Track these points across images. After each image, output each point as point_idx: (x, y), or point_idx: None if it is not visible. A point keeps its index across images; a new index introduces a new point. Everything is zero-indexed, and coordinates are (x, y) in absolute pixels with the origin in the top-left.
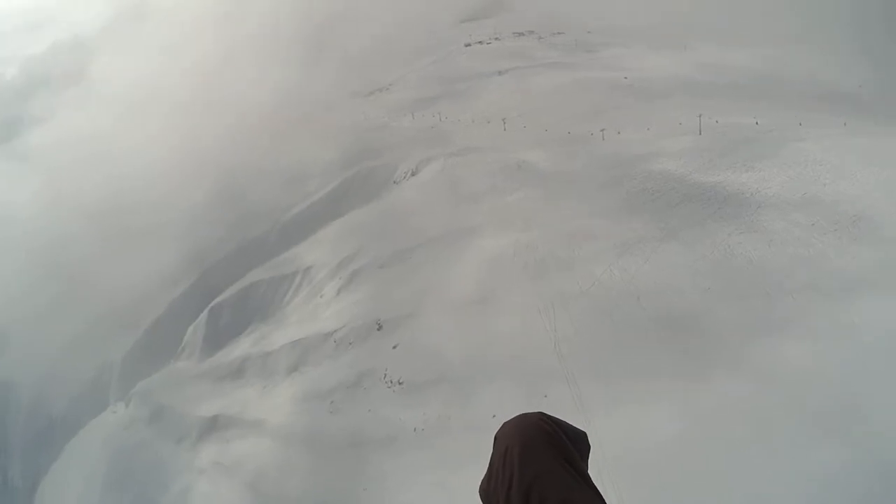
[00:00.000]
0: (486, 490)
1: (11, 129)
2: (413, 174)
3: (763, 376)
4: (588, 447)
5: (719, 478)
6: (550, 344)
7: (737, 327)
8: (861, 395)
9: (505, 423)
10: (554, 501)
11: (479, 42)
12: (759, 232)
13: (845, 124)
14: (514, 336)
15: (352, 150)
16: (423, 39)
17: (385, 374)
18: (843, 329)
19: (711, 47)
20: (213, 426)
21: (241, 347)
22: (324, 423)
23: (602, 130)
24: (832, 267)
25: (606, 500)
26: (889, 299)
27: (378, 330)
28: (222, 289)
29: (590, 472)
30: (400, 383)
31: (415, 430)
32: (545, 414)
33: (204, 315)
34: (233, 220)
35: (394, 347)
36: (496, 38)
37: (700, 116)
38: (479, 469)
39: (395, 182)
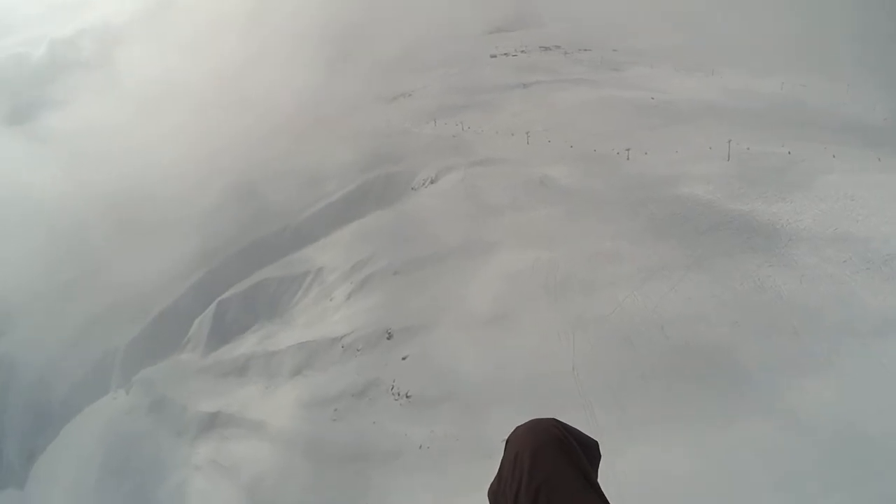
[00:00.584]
0: (496, 492)
1: (34, 109)
2: (432, 182)
3: (788, 418)
4: (599, 456)
5: None
6: (568, 368)
7: (763, 364)
8: (889, 444)
9: (517, 428)
10: None
11: (505, 54)
12: (790, 266)
13: (879, 160)
14: (530, 357)
15: (372, 154)
16: (449, 48)
17: (392, 386)
18: (873, 373)
19: (739, 73)
20: (212, 423)
21: (246, 345)
22: (326, 431)
23: (628, 150)
24: (864, 307)
25: None
26: None
27: (388, 339)
28: (231, 284)
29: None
30: (407, 396)
31: (420, 447)
32: (557, 420)
33: (211, 309)
34: (247, 218)
35: (403, 358)
36: (522, 51)
37: (730, 142)
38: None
39: (413, 189)
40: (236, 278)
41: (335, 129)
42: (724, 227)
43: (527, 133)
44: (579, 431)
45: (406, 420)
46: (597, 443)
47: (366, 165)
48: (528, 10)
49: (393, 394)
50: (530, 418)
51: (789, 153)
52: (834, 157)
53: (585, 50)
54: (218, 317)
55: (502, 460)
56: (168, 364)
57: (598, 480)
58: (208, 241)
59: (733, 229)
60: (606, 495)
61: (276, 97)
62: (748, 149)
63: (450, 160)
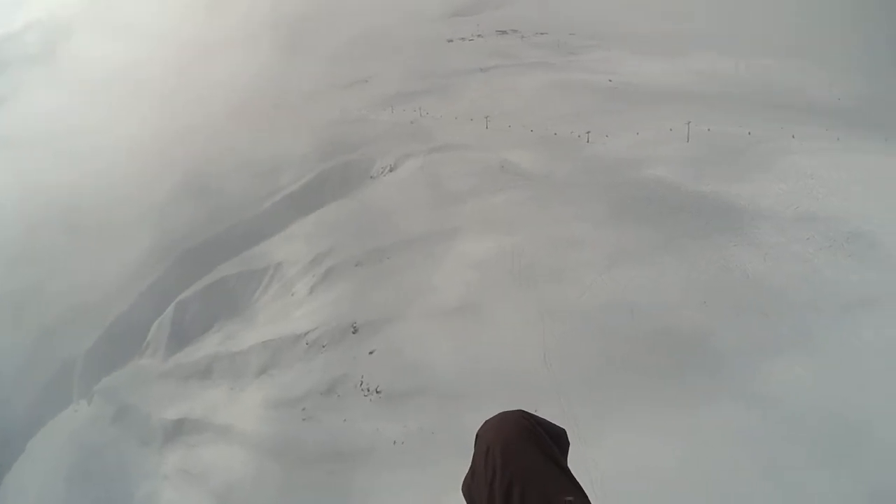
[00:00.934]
0: (470, 486)
1: None
2: (391, 170)
3: (762, 397)
4: (567, 443)
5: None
6: (540, 357)
7: (734, 345)
8: (863, 415)
9: (486, 422)
10: (535, 495)
11: (462, 39)
12: (755, 246)
13: (838, 139)
14: (500, 347)
15: (328, 142)
16: (405, 34)
17: (361, 382)
18: (842, 349)
19: (700, 55)
20: (179, 429)
21: (208, 346)
22: (296, 432)
23: (588, 133)
24: (829, 284)
25: None
26: (887, 317)
27: (353, 333)
28: (188, 284)
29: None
30: (377, 392)
31: (394, 442)
32: (525, 411)
33: (169, 311)
34: (202, 214)
35: (370, 353)
36: (479, 36)
37: (689, 124)
38: None
39: (372, 177)
40: (193, 277)
41: (291, 118)
42: (688, 208)
43: (486, 118)
44: (547, 421)
45: (378, 416)
46: (564, 430)
47: (323, 155)
48: None
49: (362, 389)
50: (501, 410)
51: (749, 134)
52: (793, 137)
53: (542, 34)
54: (177, 319)
55: (474, 456)
56: (128, 371)
57: (574, 469)
58: (163, 240)
59: (697, 211)
60: (584, 485)
61: (231, 86)
62: (709, 130)
63: (408, 147)
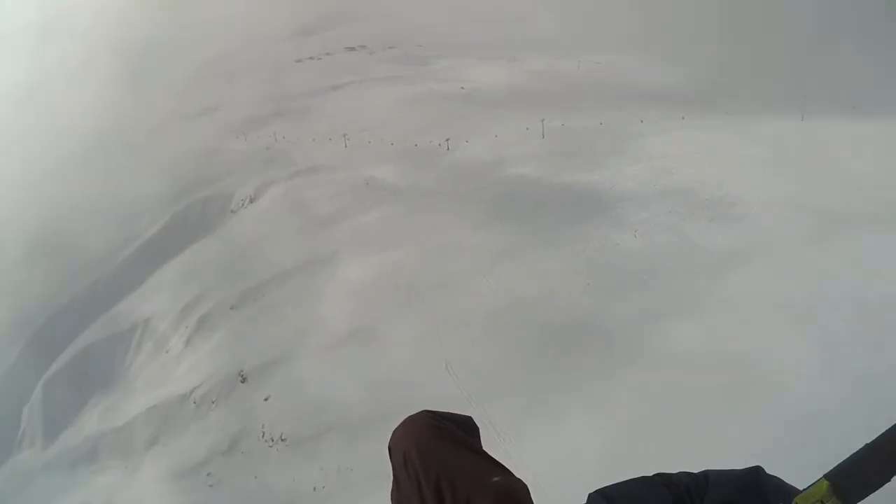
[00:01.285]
0: (399, 498)
1: None
2: (251, 201)
3: (661, 363)
4: (476, 428)
5: (649, 470)
6: (441, 367)
7: (623, 319)
8: (754, 359)
9: (394, 432)
10: (464, 484)
11: (311, 58)
12: (623, 225)
13: (683, 118)
14: (401, 366)
15: (182, 179)
16: (250, 56)
17: (263, 433)
18: (723, 303)
19: (540, 57)
20: None
21: (89, 425)
22: (206, 501)
23: (447, 140)
24: (699, 248)
25: None
26: (756, 270)
27: (242, 382)
28: (54, 357)
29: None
30: (283, 440)
31: (315, 489)
32: (429, 410)
33: (38, 392)
34: (58, 273)
35: (265, 399)
36: (327, 54)
37: (543, 121)
38: None
39: (232, 211)
40: (57, 350)
41: (140, 157)
42: (555, 200)
43: (344, 136)
44: (450, 413)
45: (290, 465)
46: (470, 417)
47: (177, 193)
48: (332, 12)
49: (266, 441)
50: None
51: (601, 124)
52: (642, 121)
53: (391, 48)
54: (48, 400)
55: (393, 469)
56: (7, 469)
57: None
58: (16, 313)
59: (564, 201)
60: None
61: (73, 127)
62: (562, 125)
63: (267, 174)
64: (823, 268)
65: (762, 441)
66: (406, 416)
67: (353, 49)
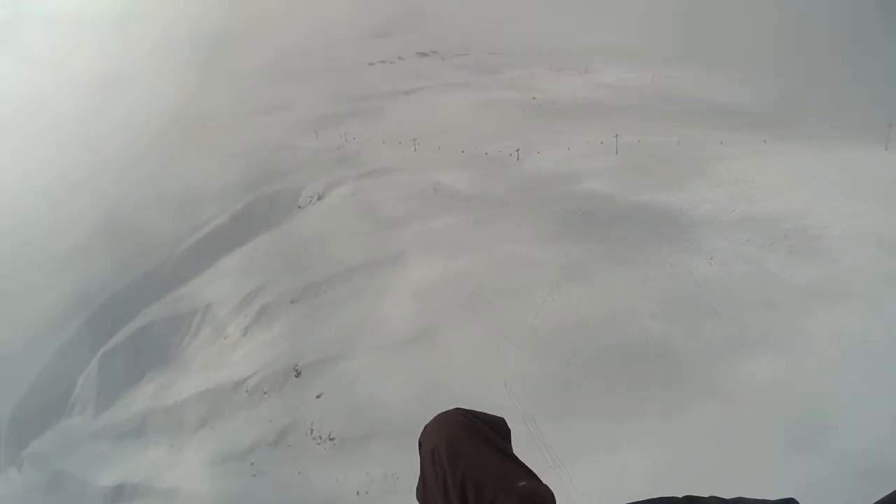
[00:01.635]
0: (424, 493)
1: None
2: (320, 198)
3: (729, 398)
4: (508, 430)
5: None
6: (500, 382)
7: (693, 349)
8: (828, 403)
9: (426, 427)
10: (490, 486)
11: (383, 61)
12: (698, 251)
13: (764, 142)
14: (457, 376)
15: (252, 172)
16: (325, 56)
17: (312, 429)
18: (802, 341)
19: (612, 69)
20: (119, 496)
21: (141, 400)
22: (247, 489)
23: (518, 150)
24: (776, 280)
25: None
26: (836, 306)
27: (297, 377)
28: (113, 332)
29: None
30: (331, 439)
31: (358, 493)
32: (461, 408)
33: (94, 363)
34: (121, 255)
35: (318, 397)
36: (400, 58)
37: (617, 136)
38: None
39: (300, 207)
40: (117, 325)
41: (210, 147)
42: (628, 219)
43: (414, 140)
44: (484, 413)
45: (334, 466)
46: (503, 419)
47: (246, 185)
48: (403, 15)
49: (314, 438)
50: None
51: (678, 143)
52: (721, 143)
53: (463, 54)
54: (103, 371)
55: (421, 463)
56: (57, 432)
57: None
58: (80, 287)
59: (637, 221)
60: None
61: (148, 115)
62: (638, 141)
63: (337, 173)
64: None
65: (819, 488)
66: (439, 412)
67: (424, 55)
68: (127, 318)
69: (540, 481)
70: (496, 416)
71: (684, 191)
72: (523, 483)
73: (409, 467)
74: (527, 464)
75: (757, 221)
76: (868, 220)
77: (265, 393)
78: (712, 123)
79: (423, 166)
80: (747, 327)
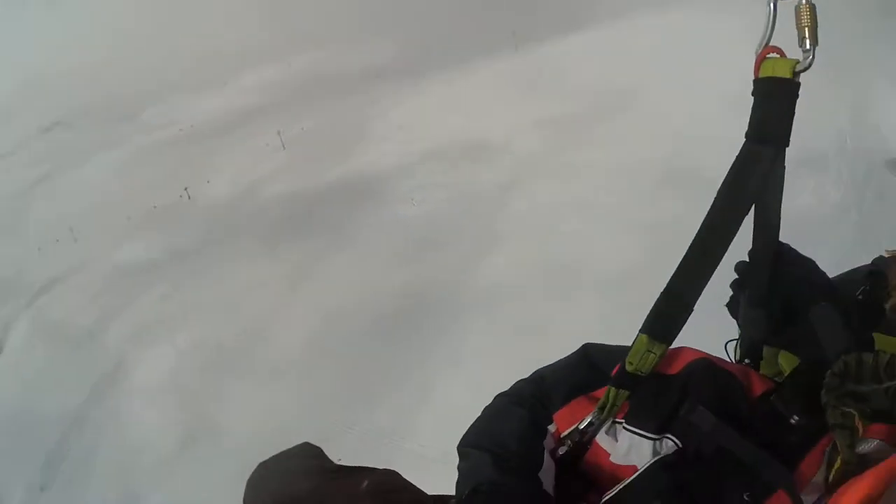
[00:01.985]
0: None
1: None
2: None
3: (481, 301)
4: (318, 447)
5: None
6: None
7: (435, 279)
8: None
9: (244, 500)
10: None
11: None
12: (401, 201)
13: (414, 85)
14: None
15: None
16: None
17: None
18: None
19: (249, 72)
20: None
21: None
22: None
23: (186, 189)
24: (475, 193)
25: None
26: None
27: None
28: None
29: None
30: None
31: None
32: (260, 463)
33: None
34: None
35: None
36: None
37: (280, 132)
38: None
39: None
40: None
41: None
42: (325, 202)
43: (71, 229)
44: (282, 452)
45: None
46: (306, 441)
47: None
48: None
49: None
50: None
51: (337, 116)
52: (375, 102)
53: (87, 113)
54: None
55: None
56: None
57: None
58: None
59: (334, 200)
60: None
61: None
62: (302, 129)
63: None
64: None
65: None
66: (246, 480)
67: (48, 129)
68: None
69: (377, 470)
70: (297, 445)
71: (363, 155)
72: (365, 483)
73: None
74: None
75: (435, 152)
76: (520, 114)
77: None
78: (362, 88)
79: (91, 259)
80: (467, 241)
